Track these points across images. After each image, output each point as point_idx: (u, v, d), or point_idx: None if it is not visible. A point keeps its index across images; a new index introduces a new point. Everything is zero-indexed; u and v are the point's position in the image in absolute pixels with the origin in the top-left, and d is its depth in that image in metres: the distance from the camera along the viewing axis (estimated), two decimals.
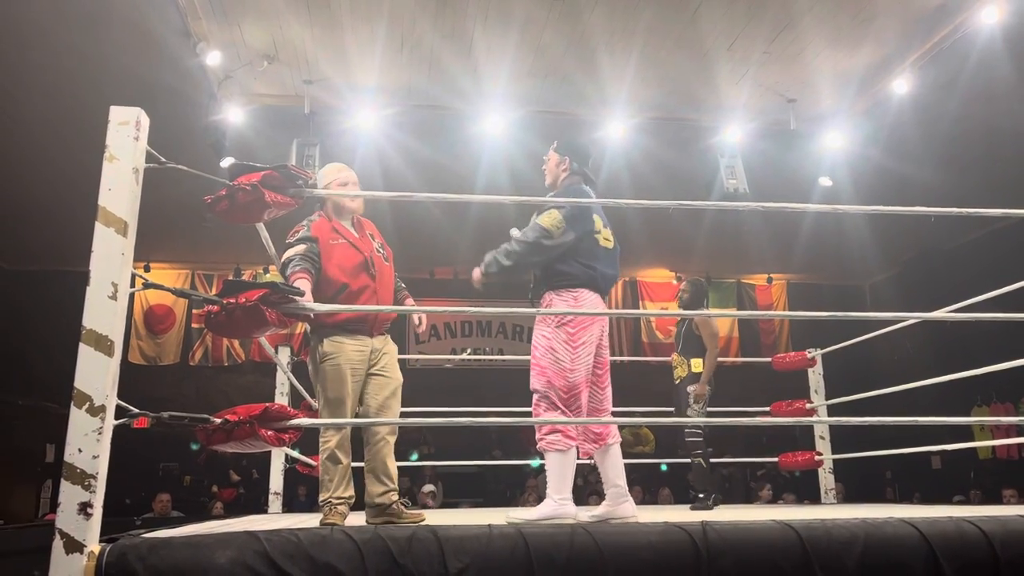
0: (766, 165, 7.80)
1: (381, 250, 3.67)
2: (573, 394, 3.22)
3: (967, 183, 7.93)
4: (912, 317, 4.19)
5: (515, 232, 3.36)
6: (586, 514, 3.22)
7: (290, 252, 3.39)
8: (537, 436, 3.22)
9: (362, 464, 3.38)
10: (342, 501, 3.31)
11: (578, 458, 3.23)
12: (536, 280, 3.42)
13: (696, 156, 7.84)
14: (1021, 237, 8.68)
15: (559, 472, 3.15)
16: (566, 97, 7.45)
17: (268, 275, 10.85)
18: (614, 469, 3.32)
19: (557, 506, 3.10)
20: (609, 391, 3.42)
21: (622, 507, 3.26)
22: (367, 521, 3.29)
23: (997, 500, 8.20)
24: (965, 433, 8.29)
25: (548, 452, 3.18)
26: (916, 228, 9.58)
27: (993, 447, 9.52)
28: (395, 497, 3.35)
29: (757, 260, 11.46)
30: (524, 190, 7.38)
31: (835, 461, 6.19)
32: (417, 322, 3.73)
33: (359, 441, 3.45)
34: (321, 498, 3.33)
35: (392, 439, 3.44)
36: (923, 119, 7.32)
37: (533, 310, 3.23)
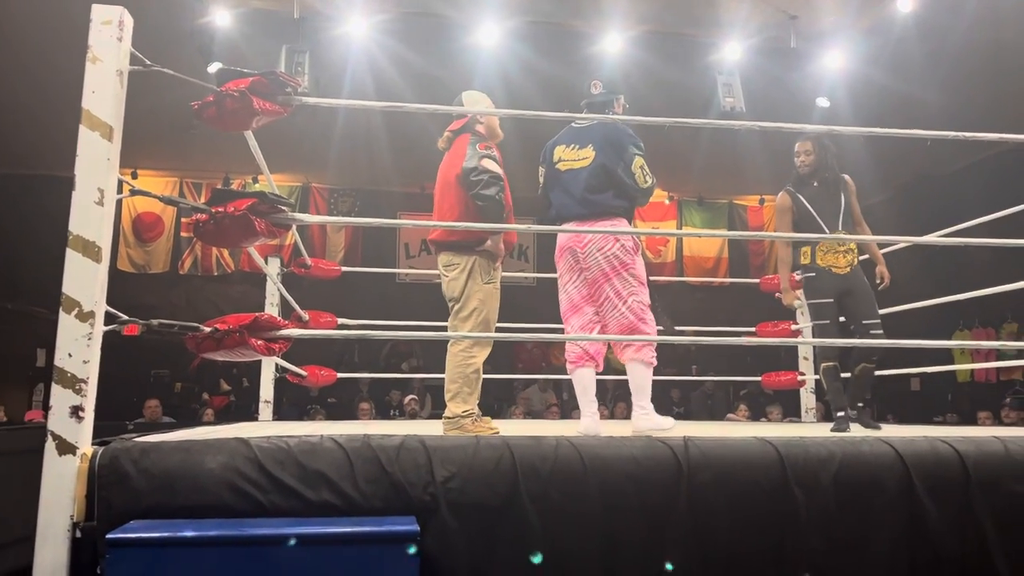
0: (765, 84, 7.65)
1: None
2: (567, 317, 3.60)
3: (971, 105, 7.80)
4: (902, 241, 4.20)
5: None
6: None
7: (494, 167, 3.49)
8: None
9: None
10: (479, 413, 3.49)
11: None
12: None
13: (694, 73, 7.68)
14: (1019, 162, 8.62)
15: (577, 392, 3.53)
16: (562, 7, 7.24)
17: (257, 184, 10.73)
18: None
19: (583, 421, 3.44)
20: (606, 307, 3.48)
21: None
22: (445, 432, 3.41)
23: (973, 422, 8.40)
24: (946, 356, 8.44)
25: None
26: (914, 151, 9.48)
27: (971, 371, 9.70)
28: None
29: (752, 181, 11.37)
30: (519, 103, 7.24)
31: (817, 381, 6.29)
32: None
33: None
34: (461, 410, 3.42)
35: None
36: (928, 39, 7.16)
37: (558, 228, 3.55)
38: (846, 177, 4.49)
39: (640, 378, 3.39)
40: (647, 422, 3.27)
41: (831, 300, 4.28)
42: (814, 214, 4.33)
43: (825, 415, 8.13)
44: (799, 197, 4.42)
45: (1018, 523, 2.45)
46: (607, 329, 3.47)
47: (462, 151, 3.55)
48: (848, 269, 4.31)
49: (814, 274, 4.33)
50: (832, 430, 4.02)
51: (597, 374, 3.55)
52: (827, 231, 4.28)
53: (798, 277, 4.48)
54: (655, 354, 3.43)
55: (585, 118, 3.64)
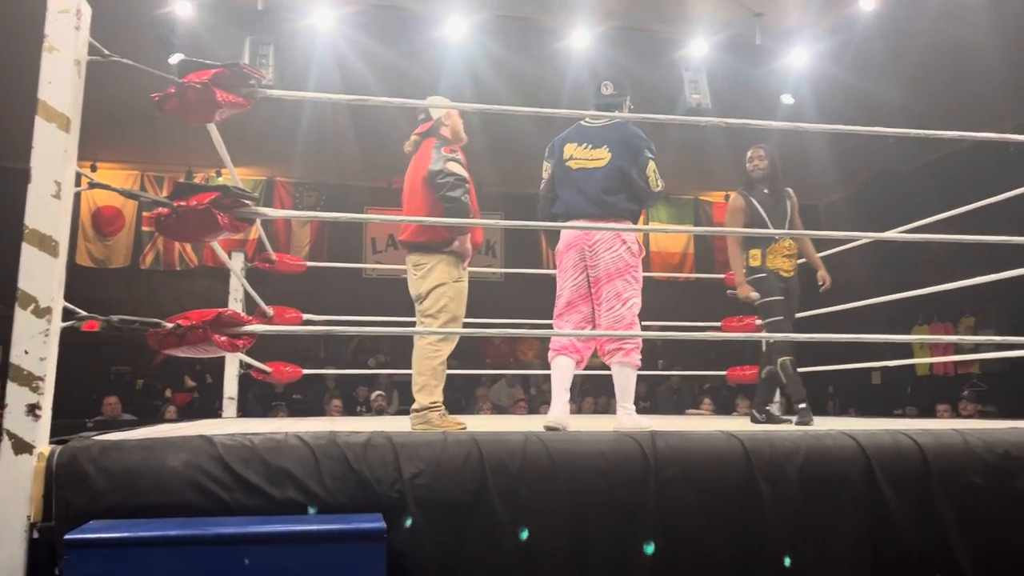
0: (730, 81, 7.72)
1: None
2: (561, 311, 3.58)
3: (933, 104, 7.93)
4: (863, 237, 4.27)
5: None
6: None
7: (459, 170, 3.58)
8: None
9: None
10: (444, 410, 3.56)
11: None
12: None
13: (661, 69, 7.72)
14: (977, 160, 8.78)
15: (553, 380, 3.50)
16: (529, 2, 7.24)
17: (221, 178, 10.58)
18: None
19: (550, 411, 3.41)
20: (604, 307, 3.49)
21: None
22: (412, 424, 3.49)
23: (932, 415, 8.56)
24: (905, 350, 8.59)
25: None
26: (874, 149, 9.64)
27: (930, 364, 9.88)
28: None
29: (718, 177, 11.47)
30: (486, 98, 7.22)
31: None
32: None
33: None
34: (429, 401, 3.51)
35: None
36: (890, 37, 7.27)
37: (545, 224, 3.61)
38: (790, 190, 4.72)
39: (627, 380, 3.45)
40: (630, 422, 3.33)
41: (781, 298, 4.49)
42: (765, 218, 4.55)
43: (788, 409, 8.21)
44: (752, 200, 4.61)
45: (977, 513, 2.50)
46: (600, 328, 3.50)
47: (428, 154, 3.65)
48: (792, 273, 4.57)
49: (764, 275, 4.52)
50: (796, 423, 4.09)
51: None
52: (774, 236, 4.48)
53: (747, 280, 4.62)
54: (641, 358, 3.47)
55: (554, 114, 3.61)
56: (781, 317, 4.43)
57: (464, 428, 3.25)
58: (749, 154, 4.71)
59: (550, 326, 3.72)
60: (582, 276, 3.52)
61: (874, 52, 7.49)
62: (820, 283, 4.74)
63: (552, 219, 3.66)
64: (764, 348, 4.85)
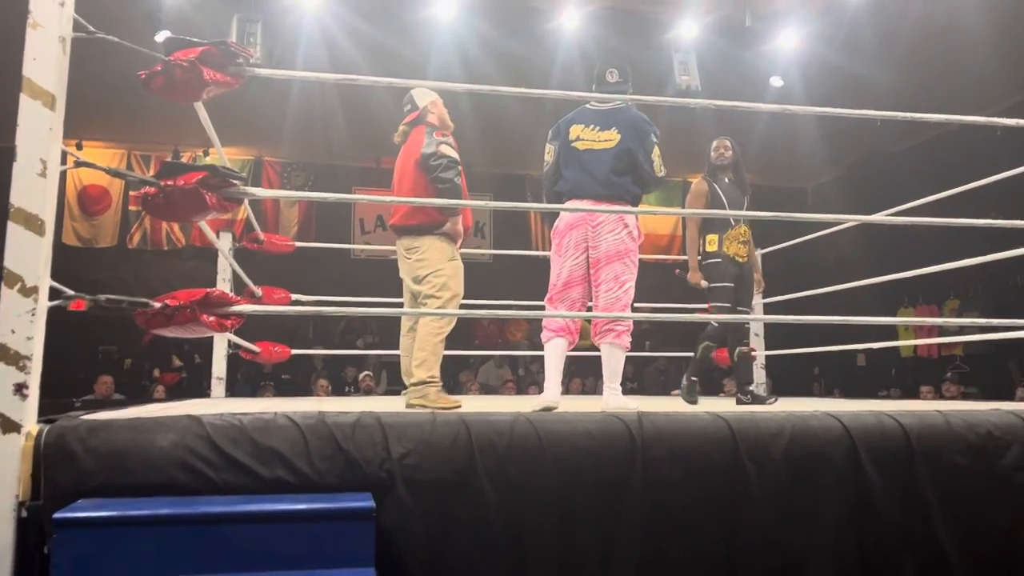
0: (720, 62, 7.71)
1: None
2: (558, 291, 3.59)
3: (922, 86, 7.95)
4: (850, 220, 4.30)
5: None
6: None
7: (452, 152, 3.63)
8: None
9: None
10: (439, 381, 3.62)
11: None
12: None
13: (650, 51, 7.70)
14: (965, 143, 8.81)
15: (548, 363, 3.51)
16: None
17: (208, 158, 10.50)
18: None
19: (544, 393, 3.43)
20: (603, 289, 3.52)
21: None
22: (410, 397, 3.55)
23: (916, 397, 8.64)
24: (890, 333, 8.67)
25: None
26: (862, 130, 9.65)
27: (915, 347, 9.97)
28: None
29: (707, 159, 11.48)
30: (476, 77, 7.18)
31: (767, 357, 6.41)
32: None
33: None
34: (428, 375, 3.55)
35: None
36: (880, 20, 7.27)
37: (535, 205, 3.34)
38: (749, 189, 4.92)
39: (616, 361, 3.49)
40: (616, 402, 3.38)
41: (732, 285, 4.64)
42: (726, 204, 4.70)
43: (774, 390, 8.27)
44: (715, 186, 4.80)
45: (959, 493, 2.53)
46: (596, 310, 3.52)
47: (419, 140, 3.69)
48: (746, 259, 4.73)
49: (720, 260, 4.66)
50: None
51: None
52: (731, 223, 4.62)
53: (702, 263, 4.77)
54: (631, 340, 3.51)
55: (543, 95, 3.60)
56: (728, 304, 4.57)
57: (459, 406, 3.28)
58: (715, 143, 4.88)
59: (540, 307, 3.74)
60: (583, 256, 3.54)
61: (864, 34, 7.49)
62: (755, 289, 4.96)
63: (556, 197, 3.68)
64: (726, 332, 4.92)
